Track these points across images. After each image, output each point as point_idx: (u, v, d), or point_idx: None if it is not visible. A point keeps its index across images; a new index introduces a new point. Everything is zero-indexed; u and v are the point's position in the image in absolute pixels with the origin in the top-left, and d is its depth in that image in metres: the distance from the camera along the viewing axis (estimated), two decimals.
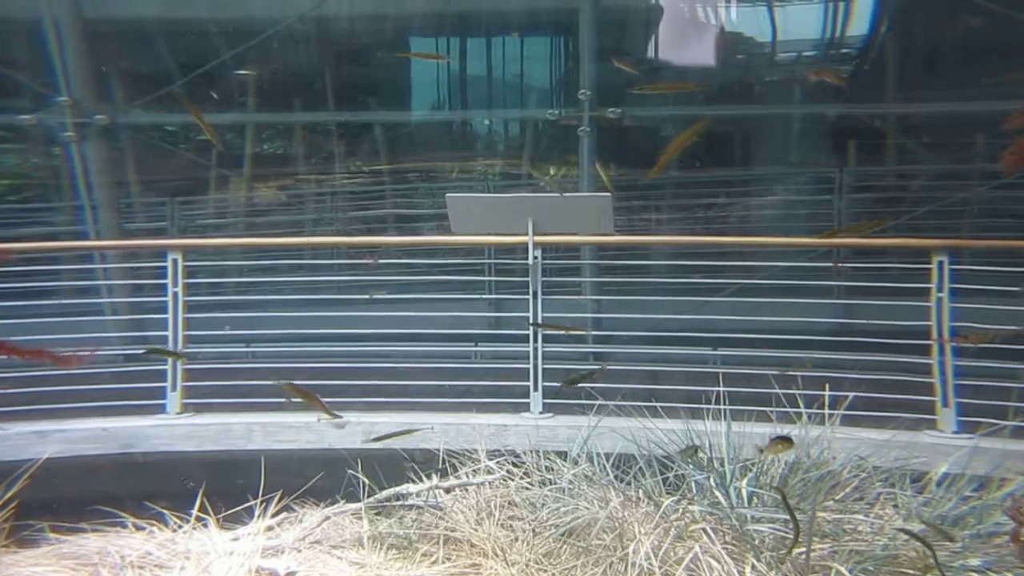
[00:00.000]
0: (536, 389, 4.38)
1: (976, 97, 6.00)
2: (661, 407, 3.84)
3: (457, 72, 7.72)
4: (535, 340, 4.39)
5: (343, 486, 3.73)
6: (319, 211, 7.97)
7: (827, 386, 3.84)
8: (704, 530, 3.06)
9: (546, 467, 3.72)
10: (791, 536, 2.83)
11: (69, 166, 6.53)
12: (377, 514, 3.61)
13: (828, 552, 2.98)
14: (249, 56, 6.69)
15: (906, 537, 2.87)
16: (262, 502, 3.57)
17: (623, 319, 5.15)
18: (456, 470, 3.80)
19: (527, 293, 4.41)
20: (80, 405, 4.34)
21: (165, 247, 4.66)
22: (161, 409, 4.46)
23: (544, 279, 4.41)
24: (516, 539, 3.30)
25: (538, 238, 4.35)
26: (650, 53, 7.08)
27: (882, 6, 6.98)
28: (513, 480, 3.69)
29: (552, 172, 7.42)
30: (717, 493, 3.30)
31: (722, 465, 3.47)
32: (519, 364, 4.43)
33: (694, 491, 3.37)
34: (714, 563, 2.91)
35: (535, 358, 4.39)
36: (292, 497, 3.67)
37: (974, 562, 2.88)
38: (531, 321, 4.37)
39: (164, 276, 4.52)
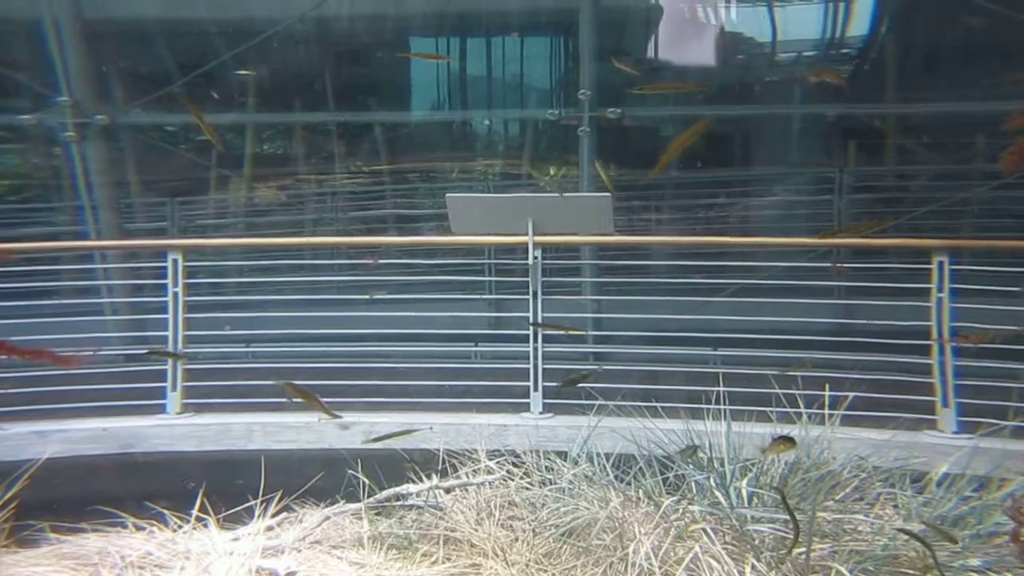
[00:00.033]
0: (536, 389, 4.38)
1: (976, 97, 6.00)
2: (661, 407, 3.84)
3: (457, 72, 7.72)
4: (535, 340, 4.39)
5: (343, 486, 3.73)
6: (319, 211, 7.97)
7: (827, 386, 3.84)
8: (704, 530, 3.06)
9: (546, 467, 3.72)
10: (791, 536, 2.83)
11: (69, 166, 6.53)
12: (377, 514, 3.61)
13: (828, 552, 2.98)
14: (249, 56, 6.69)
15: (906, 537, 2.87)
16: (262, 502, 3.57)
17: (623, 319, 5.15)
18: (456, 470, 3.80)
19: (527, 293, 4.41)
20: (80, 405, 4.34)
21: (165, 247, 4.66)
22: (161, 409, 4.46)
23: (544, 279, 4.41)
24: (516, 539, 3.30)
25: (538, 238, 4.35)
26: (650, 53, 7.08)
27: (882, 6, 6.98)
28: (513, 480, 3.69)
29: (552, 172, 7.42)
30: (717, 493, 3.30)
31: (722, 465, 3.47)
32: (519, 364, 4.43)
33: (694, 491, 3.37)
34: (714, 563, 2.92)
35: (535, 358, 4.39)
36: (292, 497, 3.67)
37: (974, 562, 2.88)
38: (531, 321, 4.37)
39: (164, 276, 4.52)
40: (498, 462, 3.80)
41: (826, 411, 3.74)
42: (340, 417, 3.34)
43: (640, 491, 3.43)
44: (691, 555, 2.93)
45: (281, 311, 5.38)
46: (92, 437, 4.25)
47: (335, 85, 7.29)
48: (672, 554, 2.98)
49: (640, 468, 3.55)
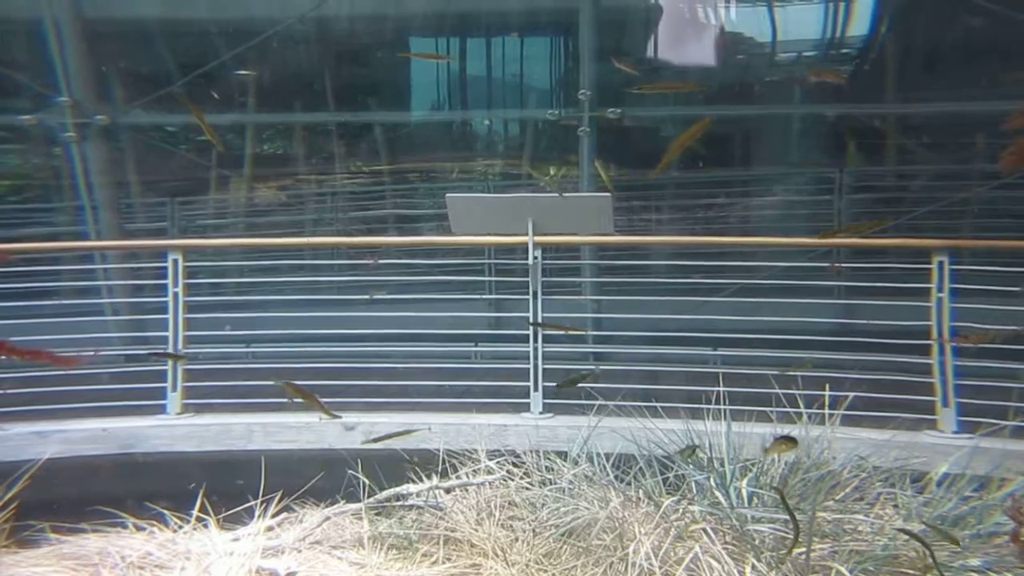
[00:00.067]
0: (536, 389, 4.38)
1: (976, 97, 6.00)
2: (661, 407, 3.84)
3: (457, 72, 7.72)
4: (535, 340, 4.39)
5: (343, 486, 3.73)
6: (319, 211, 7.97)
7: (827, 386, 3.84)
8: (704, 530, 3.06)
9: (546, 467, 3.72)
10: (791, 536, 2.83)
11: (70, 166, 6.53)
12: (377, 514, 3.61)
13: (828, 552, 2.98)
14: (249, 56, 6.69)
15: (906, 537, 2.87)
16: (262, 502, 3.57)
17: (623, 319, 5.15)
18: (456, 470, 3.80)
19: (527, 293, 4.41)
20: (81, 406, 4.35)
21: (165, 247, 4.66)
22: (161, 409, 4.46)
23: (544, 279, 4.41)
24: (516, 539, 3.30)
25: (538, 238, 4.35)
26: (650, 53, 7.09)
27: (882, 6, 6.98)
28: (513, 480, 3.69)
29: (552, 172, 7.42)
30: (717, 493, 3.30)
31: (722, 465, 3.47)
32: (519, 364, 4.43)
33: (694, 491, 3.37)
34: (714, 563, 2.92)
35: (535, 358, 4.39)
36: (292, 497, 3.67)
37: (974, 562, 2.88)
38: (531, 321, 4.37)
39: (164, 276, 4.52)
40: (498, 462, 3.80)
41: (826, 411, 3.74)
42: (340, 417, 3.35)
43: (640, 491, 3.43)
44: (691, 555, 2.93)
45: (281, 311, 5.38)
46: (92, 437, 4.25)
47: (335, 85, 7.29)
48: (672, 554, 2.98)
49: (640, 468, 3.55)
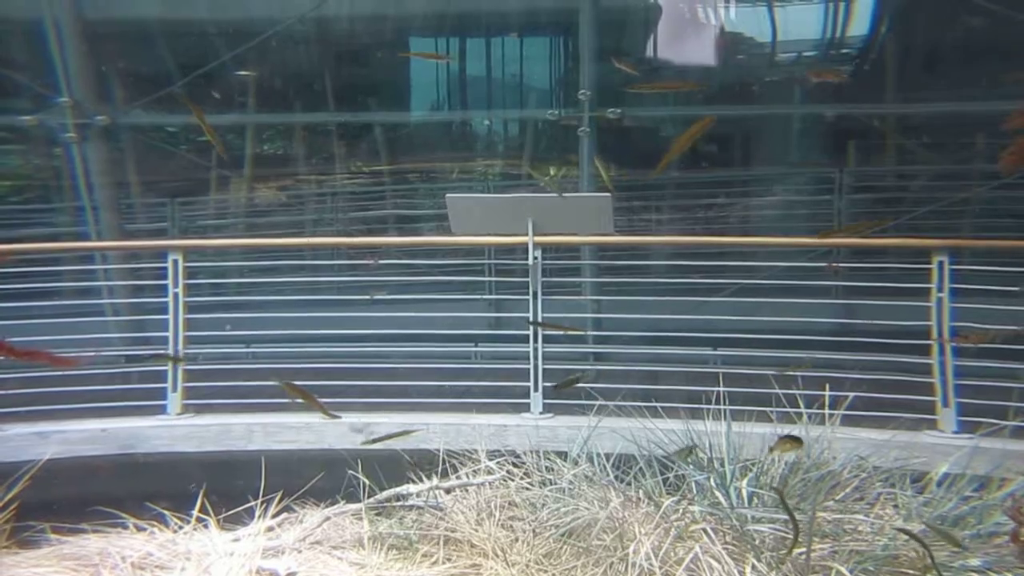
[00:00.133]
0: (536, 389, 4.38)
1: (976, 97, 6.00)
2: (661, 407, 3.84)
3: (457, 72, 7.72)
4: (535, 340, 4.39)
5: (343, 487, 3.73)
6: (319, 212, 7.97)
7: (827, 386, 3.84)
8: (704, 530, 3.06)
9: (546, 467, 3.72)
10: (791, 536, 2.83)
11: (70, 167, 6.53)
12: (377, 514, 3.61)
13: (828, 552, 2.98)
14: (249, 57, 6.69)
15: (906, 537, 2.87)
16: (262, 503, 3.58)
17: (623, 319, 5.15)
18: (456, 470, 3.80)
19: (527, 293, 4.41)
20: (81, 406, 4.35)
21: (166, 248, 4.66)
22: (162, 410, 4.46)
23: (544, 279, 4.42)
24: (516, 539, 3.30)
25: (538, 238, 4.35)
26: (650, 53, 7.09)
27: (882, 6, 6.98)
28: (513, 480, 3.69)
29: (552, 172, 7.42)
30: (717, 493, 3.30)
31: (722, 465, 3.47)
32: (519, 364, 4.43)
33: (694, 491, 3.37)
34: (714, 563, 2.92)
35: (535, 358, 4.39)
36: (292, 498, 3.67)
37: (974, 562, 2.88)
38: (531, 320, 4.37)
39: (165, 277, 4.53)
40: (498, 462, 3.80)
41: (826, 411, 3.74)
42: (339, 417, 3.35)
43: (640, 491, 3.43)
44: (691, 555, 2.93)
45: (281, 312, 5.38)
46: (92, 438, 4.26)
47: (335, 85, 7.29)
48: (672, 554, 2.98)
49: (640, 468, 3.55)
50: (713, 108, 6.90)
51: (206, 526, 3.51)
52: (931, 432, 4.01)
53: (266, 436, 4.30)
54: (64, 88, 6.19)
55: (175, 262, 4.51)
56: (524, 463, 3.79)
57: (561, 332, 4.84)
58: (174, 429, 4.35)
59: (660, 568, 2.91)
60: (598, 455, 3.72)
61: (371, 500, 3.63)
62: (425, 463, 3.81)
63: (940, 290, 4.09)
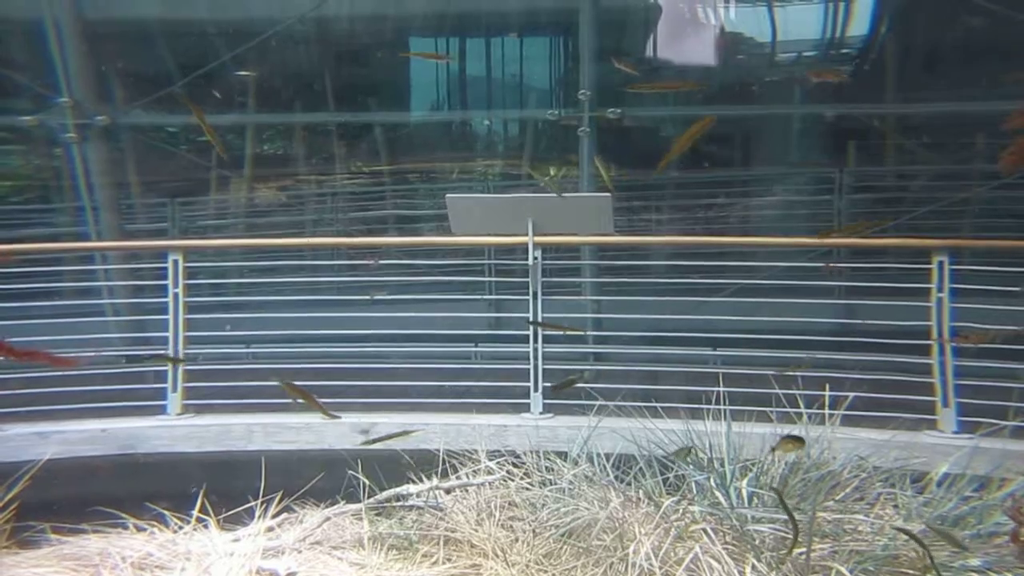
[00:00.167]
0: (536, 389, 4.38)
1: (976, 97, 6.00)
2: (661, 407, 3.84)
3: (457, 72, 7.72)
4: (535, 340, 4.39)
5: (343, 487, 3.73)
6: (319, 212, 7.97)
7: (827, 386, 3.84)
8: (704, 530, 3.06)
9: (546, 467, 3.72)
10: (791, 536, 2.83)
11: (70, 167, 6.54)
12: (377, 515, 3.61)
13: (828, 552, 2.98)
14: (249, 57, 6.69)
15: (906, 537, 2.87)
16: (262, 503, 3.58)
17: (623, 319, 5.15)
18: (456, 471, 3.80)
19: (527, 294, 4.41)
20: (81, 406, 4.35)
21: (166, 248, 4.66)
22: (162, 410, 4.46)
23: (544, 279, 4.42)
24: (516, 540, 3.30)
25: (538, 238, 4.35)
26: (650, 53, 7.09)
27: (882, 6, 6.98)
28: (513, 481, 3.69)
29: (552, 172, 7.42)
30: (717, 493, 3.30)
31: (722, 465, 3.47)
32: (519, 364, 4.43)
33: (694, 491, 3.37)
34: (714, 563, 2.92)
35: (535, 358, 4.39)
36: (292, 498, 3.67)
37: (974, 562, 2.88)
38: (530, 320, 4.37)
39: (165, 277, 4.53)
40: (498, 462, 3.80)
41: (826, 411, 3.74)
42: (339, 418, 3.35)
43: (640, 491, 3.43)
44: (691, 555, 2.93)
45: (282, 312, 5.39)
46: (92, 438, 4.26)
47: (335, 85, 7.30)
48: (672, 554, 2.98)
49: (640, 468, 3.55)
50: (713, 108, 6.90)
51: (206, 526, 3.51)
52: (931, 432, 4.01)
53: (266, 436, 4.30)
54: (64, 88, 6.19)
55: (175, 262, 4.51)
56: (524, 463, 3.79)
57: (561, 332, 4.84)
58: (174, 429, 4.35)
59: (660, 568, 2.91)
60: (598, 455, 3.72)
61: (371, 500, 3.63)
62: (425, 463, 3.81)
63: (940, 290, 4.09)
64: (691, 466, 3.49)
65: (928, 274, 4.12)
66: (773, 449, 2.84)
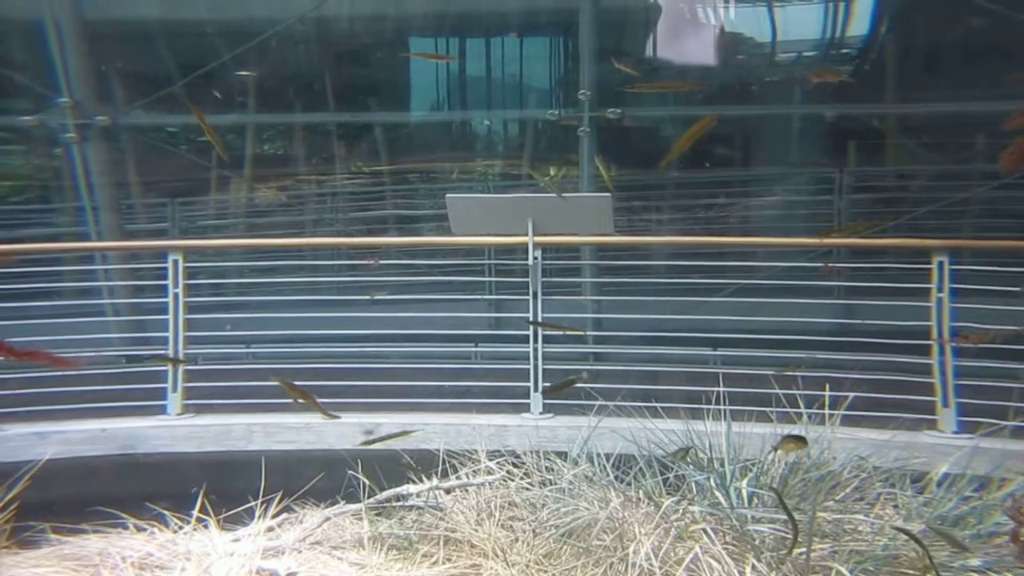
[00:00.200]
0: (536, 390, 4.38)
1: (976, 97, 6.00)
2: (661, 407, 3.84)
3: (457, 72, 7.72)
4: (535, 340, 4.39)
5: (343, 487, 3.73)
6: (319, 212, 7.97)
7: (827, 386, 3.84)
8: (704, 530, 3.06)
9: (546, 468, 3.72)
10: (791, 536, 2.83)
11: (70, 167, 6.54)
12: (377, 515, 3.61)
13: (828, 552, 2.98)
14: (249, 57, 6.70)
15: (906, 537, 2.87)
16: (262, 503, 3.58)
17: (623, 319, 5.15)
18: (456, 471, 3.80)
19: (527, 294, 4.41)
20: (81, 406, 4.35)
21: (166, 248, 4.67)
22: (162, 410, 4.46)
23: (544, 279, 4.42)
24: (516, 540, 3.30)
25: (538, 238, 4.35)
26: (650, 53, 7.09)
27: (882, 6, 6.98)
28: (513, 481, 3.69)
29: (552, 173, 7.42)
30: (717, 493, 3.30)
31: (722, 465, 3.47)
32: (519, 364, 4.43)
33: (694, 491, 3.37)
34: (714, 563, 2.92)
35: (535, 359, 4.39)
36: (292, 498, 3.67)
37: (974, 562, 2.88)
38: (530, 320, 4.37)
39: (165, 277, 4.53)
40: (498, 463, 3.80)
41: (826, 411, 3.74)
42: (338, 417, 3.35)
43: (640, 491, 3.43)
44: (691, 555, 2.93)
45: (282, 312, 5.39)
46: (92, 438, 4.26)
47: (335, 86, 7.29)
48: (672, 554, 2.98)
49: (640, 468, 3.55)
50: (713, 108, 6.90)
51: (206, 526, 3.51)
52: (931, 432, 4.01)
53: (266, 436, 4.30)
54: (64, 88, 6.19)
55: (175, 262, 4.51)
56: (524, 463, 3.79)
57: (561, 332, 4.84)
58: (174, 429, 4.35)
59: (660, 568, 2.91)
60: (598, 455, 3.72)
61: (371, 500, 3.63)
62: (425, 463, 3.81)
63: (940, 290, 4.09)
64: (690, 466, 3.49)
65: (928, 274, 4.12)
66: (775, 448, 2.84)
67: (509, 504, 3.54)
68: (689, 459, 3.46)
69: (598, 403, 3.90)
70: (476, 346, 5.39)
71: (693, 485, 3.40)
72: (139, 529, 3.49)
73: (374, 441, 3.23)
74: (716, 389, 3.76)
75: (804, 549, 2.89)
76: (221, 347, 5.01)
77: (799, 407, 3.71)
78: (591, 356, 5.60)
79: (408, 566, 3.21)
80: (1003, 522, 3.03)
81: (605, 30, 6.33)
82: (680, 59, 7.05)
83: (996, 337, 3.61)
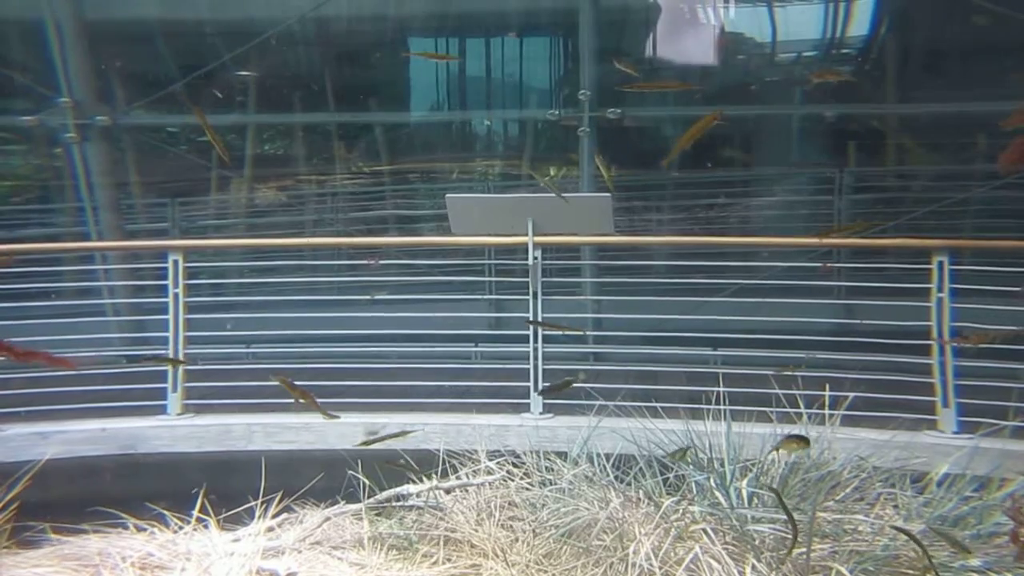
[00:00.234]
0: (536, 390, 4.38)
1: (976, 97, 6.00)
2: (661, 407, 3.84)
3: (457, 73, 7.72)
4: (535, 340, 4.39)
5: (343, 487, 3.73)
6: (319, 212, 7.97)
7: (827, 386, 3.84)
8: (704, 531, 3.06)
9: (546, 468, 3.72)
10: (791, 536, 2.83)
11: (70, 167, 6.54)
12: (377, 515, 3.61)
13: (828, 552, 2.98)
14: (250, 57, 6.70)
15: (906, 537, 2.87)
16: (262, 503, 3.58)
17: (623, 319, 5.15)
18: (456, 471, 3.80)
19: (527, 294, 4.41)
20: (81, 406, 4.35)
21: (166, 248, 4.67)
22: (162, 410, 4.47)
23: (544, 279, 4.42)
24: (516, 540, 3.30)
25: (538, 239, 4.35)
26: (650, 53, 7.09)
27: (882, 6, 6.98)
28: (513, 481, 3.69)
29: (552, 173, 7.42)
30: (717, 494, 3.30)
31: (722, 465, 3.47)
32: (519, 364, 4.43)
33: (694, 491, 3.37)
34: (714, 563, 2.92)
35: (535, 359, 4.39)
36: (292, 498, 3.67)
37: (974, 562, 2.88)
38: (530, 320, 4.37)
39: (165, 277, 4.53)
40: (498, 463, 3.81)
41: (826, 411, 3.74)
42: (338, 417, 3.35)
43: (640, 492, 3.43)
44: (691, 555, 2.93)
45: (282, 312, 5.39)
46: (93, 438, 4.26)
47: (335, 86, 7.30)
48: (672, 554, 2.98)
49: (640, 468, 3.55)
50: (713, 108, 6.88)
51: (206, 526, 3.51)
52: (931, 432, 4.01)
53: (266, 436, 4.30)
54: (64, 88, 6.19)
55: (175, 262, 4.51)
56: (524, 463, 3.79)
57: (561, 332, 4.84)
58: (174, 429, 4.36)
59: (660, 568, 2.91)
60: (598, 455, 3.72)
61: (371, 500, 3.63)
62: (425, 463, 3.81)
63: (940, 290, 4.10)
64: (690, 466, 3.49)
65: (928, 274, 4.12)
66: (777, 448, 2.84)
67: (509, 504, 3.54)
68: (688, 459, 3.46)
69: (598, 403, 3.90)
70: (476, 346, 5.39)
71: (693, 485, 3.40)
72: (139, 529, 3.50)
73: (373, 441, 3.23)
74: (716, 389, 3.76)
75: (804, 549, 2.89)
76: (221, 347, 5.01)
77: (799, 407, 3.71)
78: (591, 356, 5.60)
79: (408, 566, 3.21)
80: (1003, 522, 3.03)
81: (605, 30, 6.33)
82: (680, 59, 7.05)
83: (996, 337, 3.61)
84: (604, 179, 5.82)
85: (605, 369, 5.14)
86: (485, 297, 6.11)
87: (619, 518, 3.20)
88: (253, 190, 7.85)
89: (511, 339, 4.90)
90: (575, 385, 3.54)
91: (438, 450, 3.85)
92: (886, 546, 2.96)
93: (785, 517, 2.92)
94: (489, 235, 4.78)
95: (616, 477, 3.58)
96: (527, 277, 4.40)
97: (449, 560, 3.25)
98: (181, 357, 4.48)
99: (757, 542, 3.02)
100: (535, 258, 4.35)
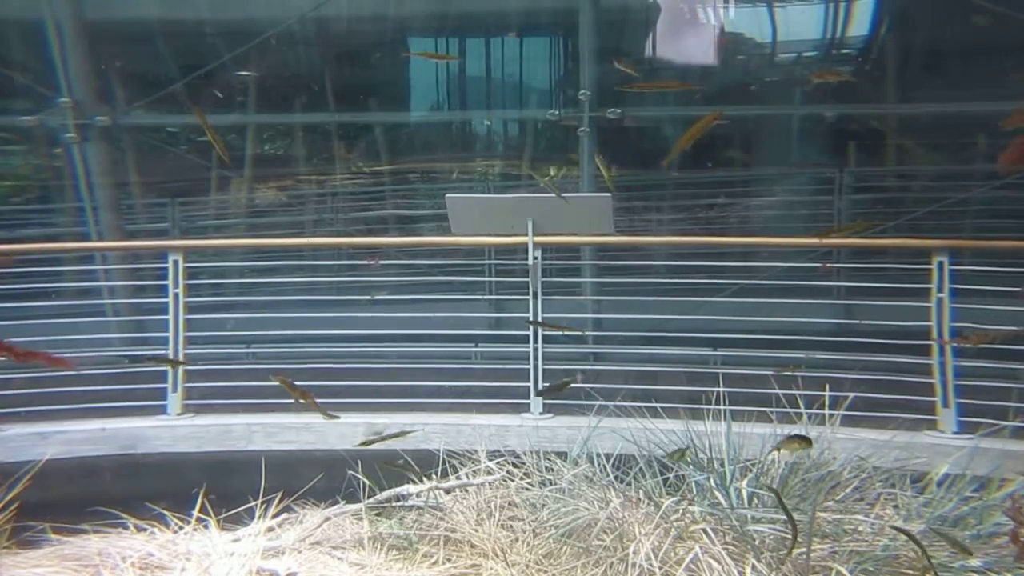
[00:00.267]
0: (536, 390, 4.38)
1: (976, 97, 6.00)
2: (661, 407, 3.84)
3: (457, 73, 7.72)
4: (535, 341, 4.39)
5: (343, 487, 3.73)
6: (319, 212, 7.98)
7: (827, 386, 3.84)
8: (704, 531, 3.06)
9: (546, 468, 3.72)
10: (791, 537, 2.83)
11: (70, 167, 6.54)
12: (377, 515, 3.61)
13: (828, 552, 2.98)
14: (250, 57, 6.70)
15: (906, 537, 2.87)
16: (263, 503, 3.58)
17: (623, 319, 5.15)
18: (456, 471, 3.80)
19: (527, 294, 4.41)
20: (81, 406, 4.35)
21: (166, 248, 4.67)
22: (162, 410, 4.47)
23: (544, 280, 4.42)
24: (516, 540, 3.30)
25: (538, 239, 4.35)
26: (650, 53, 7.09)
27: (882, 6, 6.98)
28: (513, 481, 3.69)
29: (552, 173, 7.42)
30: (717, 494, 3.30)
31: (722, 465, 3.47)
32: (519, 365, 4.43)
33: (694, 492, 3.37)
34: (714, 563, 2.92)
35: (535, 359, 4.39)
36: (292, 498, 3.67)
37: (974, 562, 2.88)
38: (529, 319, 4.37)
39: (165, 277, 4.53)
40: (498, 463, 3.81)
41: (826, 411, 3.74)
42: (337, 417, 3.35)
43: (640, 492, 3.43)
44: (691, 556, 2.93)
45: (282, 312, 5.39)
46: (93, 438, 4.26)
47: (335, 86, 7.30)
48: (672, 555, 2.98)
49: (640, 469, 3.55)
50: (713, 108, 6.89)
51: (206, 526, 3.51)
52: (931, 432, 4.02)
53: (266, 436, 4.30)
54: (64, 88, 6.19)
55: (175, 262, 4.51)
56: (524, 463, 3.79)
57: (560, 332, 4.84)
58: (174, 429, 4.36)
59: (660, 568, 2.91)
60: (598, 455, 3.72)
61: (371, 501, 3.63)
62: (425, 463, 3.81)
63: (940, 290, 4.10)
64: (690, 466, 3.49)
65: (928, 274, 4.12)
66: (777, 448, 2.84)
67: (509, 504, 3.54)
68: (688, 459, 3.46)
69: (598, 403, 3.90)
70: (476, 346, 5.39)
71: (693, 485, 3.40)
72: (139, 529, 3.50)
73: (373, 441, 3.23)
74: (716, 389, 3.76)
75: (804, 549, 2.89)
76: (221, 347, 5.01)
77: (799, 407, 3.71)
78: (591, 356, 5.60)
79: (408, 566, 3.21)
80: (1003, 522, 3.03)
81: (605, 30, 6.33)
82: (680, 59, 7.05)
83: (996, 337, 3.61)
84: (604, 179, 5.83)
85: (605, 369, 5.14)
86: (485, 297, 6.12)
87: (619, 518, 3.20)
88: (253, 190, 7.85)
89: (511, 339, 4.90)
90: (574, 385, 3.54)
91: (438, 450, 3.85)
92: (886, 546, 2.96)
93: (785, 517, 2.93)
94: (489, 235, 4.78)
95: (616, 477, 3.58)
96: (527, 277, 4.40)
97: (449, 560, 3.25)
98: (181, 357, 4.48)
99: (757, 542, 3.02)
100: (535, 258, 4.35)
